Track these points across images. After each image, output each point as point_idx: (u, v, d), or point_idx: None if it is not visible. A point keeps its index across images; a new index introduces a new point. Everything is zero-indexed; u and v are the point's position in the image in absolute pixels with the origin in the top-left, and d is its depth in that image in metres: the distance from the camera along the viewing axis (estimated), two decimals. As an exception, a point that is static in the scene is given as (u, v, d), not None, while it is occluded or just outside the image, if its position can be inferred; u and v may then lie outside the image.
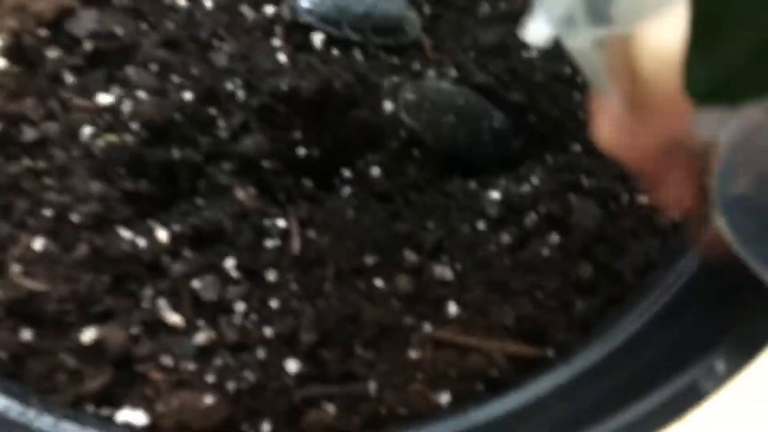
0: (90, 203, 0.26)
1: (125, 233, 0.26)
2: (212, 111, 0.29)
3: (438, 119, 0.30)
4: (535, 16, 0.16)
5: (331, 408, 0.25)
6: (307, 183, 0.30)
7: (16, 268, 0.25)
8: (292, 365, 0.25)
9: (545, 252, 0.28)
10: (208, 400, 0.24)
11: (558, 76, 0.31)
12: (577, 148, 0.31)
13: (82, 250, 0.26)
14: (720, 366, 0.18)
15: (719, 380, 0.18)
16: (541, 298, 0.27)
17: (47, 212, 0.26)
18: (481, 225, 0.29)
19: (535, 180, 0.30)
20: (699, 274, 0.26)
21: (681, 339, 0.23)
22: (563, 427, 0.23)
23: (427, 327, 0.26)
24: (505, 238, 0.28)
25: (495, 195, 0.30)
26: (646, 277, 0.27)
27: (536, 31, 0.16)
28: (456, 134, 0.30)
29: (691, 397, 0.18)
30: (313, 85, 0.29)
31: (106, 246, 0.26)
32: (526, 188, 0.30)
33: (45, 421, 0.23)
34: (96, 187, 0.27)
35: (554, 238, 0.29)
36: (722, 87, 0.12)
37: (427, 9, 0.33)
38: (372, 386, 0.25)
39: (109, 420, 0.24)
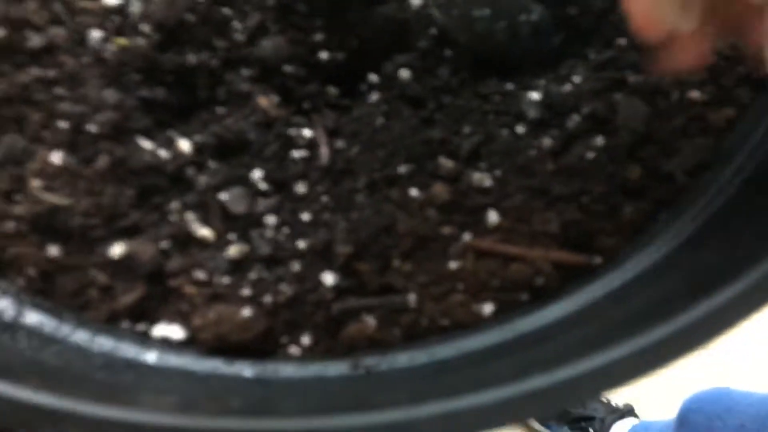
0: (106, 112, 0.25)
1: (146, 144, 0.25)
2: (226, 11, 0.27)
3: (471, 14, 0.28)
4: None
5: (370, 320, 0.24)
6: (332, 90, 0.28)
7: (36, 183, 0.24)
8: (328, 278, 0.25)
9: (590, 155, 0.26)
10: (246, 312, 0.23)
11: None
12: (622, 41, 0.28)
13: (102, 161, 0.24)
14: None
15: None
16: (586, 203, 0.26)
17: (63, 124, 0.25)
18: (520, 128, 0.27)
19: (577, 78, 0.28)
20: (756, 173, 0.25)
21: (736, 242, 0.22)
22: (612, 332, 0.22)
23: (467, 236, 0.25)
24: (547, 141, 0.27)
25: (535, 96, 0.28)
26: (698, 178, 0.26)
27: None
28: (491, 30, 0.28)
29: (743, 306, 0.17)
30: (336, -22, 0.27)
31: (128, 157, 0.24)
32: (567, 88, 0.28)
33: (80, 335, 0.22)
34: (111, 95, 0.25)
35: (599, 140, 0.27)
36: None
37: None
38: (412, 298, 0.24)
39: (146, 335, 0.23)
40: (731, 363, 1.03)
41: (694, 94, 0.27)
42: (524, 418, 0.20)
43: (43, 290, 0.24)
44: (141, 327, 0.24)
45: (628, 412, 0.93)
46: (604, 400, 0.95)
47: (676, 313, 0.18)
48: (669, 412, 0.70)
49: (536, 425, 0.99)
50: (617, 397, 0.97)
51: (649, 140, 0.27)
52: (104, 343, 0.22)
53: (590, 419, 0.93)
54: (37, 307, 0.23)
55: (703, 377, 1.01)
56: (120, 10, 0.26)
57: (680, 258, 0.23)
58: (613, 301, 0.23)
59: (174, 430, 0.16)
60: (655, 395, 0.96)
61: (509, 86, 0.28)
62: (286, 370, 0.22)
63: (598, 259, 0.25)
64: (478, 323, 0.24)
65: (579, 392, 0.17)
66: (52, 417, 0.16)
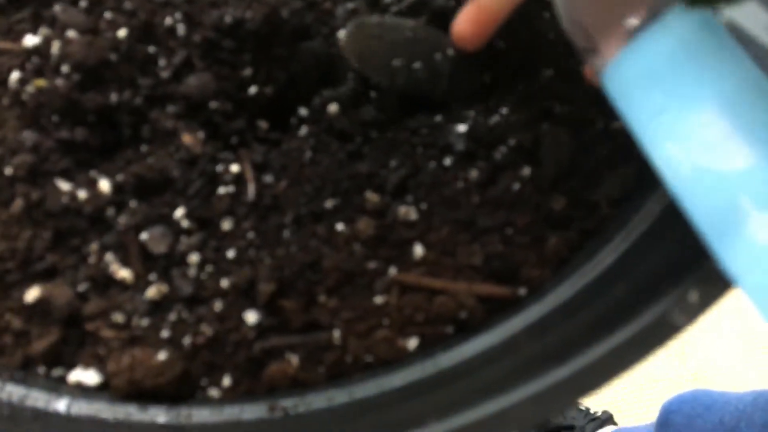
0: (22, 154, 0.24)
1: (63, 185, 0.24)
2: (151, 49, 0.27)
3: (387, 60, 0.28)
4: None
5: (294, 358, 0.24)
6: (261, 124, 0.28)
7: (-53, 228, 0.24)
8: (251, 316, 0.24)
9: (516, 186, 0.27)
10: (162, 356, 0.23)
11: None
12: (549, 72, 0.29)
13: (17, 205, 0.24)
14: (693, 297, 0.17)
15: (692, 312, 0.17)
16: (511, 234, 0.26)
17: (-24, 167, 0.24)
18: (447, 161, 0.27)
19: (504, 110, 0.28)
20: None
21: (656, 270, 0.22)
22: (533, 365, 0.22)
23: (393, 271, 0.25)
24: (474, 173, 0.27)
25: (462, 128, 0.28)
26: (622, 208, 0.26)
27: None
28: (410, 72, 0.28)
29: (663, 330, 0.17)
30: (260, 14, 0.27)
31: (44, 199, 0.24)
32: (495, 119, 0.28)
33: (-11, 385, 0.22)
34: (28, 136, 0.25)
35: (525, 171, 0.27)
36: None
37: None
38: (336, 334, 0.24)
39: (61, 380, 0.23)
40: (707, 369, 1.04)
41: (618, 124, 0.28)
42: None
43: (-46, 337, 0.23)
44: (57, 372, 0.23)
45: (608, 419, 0.94)
46: (583, 408, 0.95)
47: (581, 350, 0.18)
48: (647, 417, 0.70)
49: None
50: (596, 405, 0.97)
51: (575, 170, 0.27)
52: (13, 391, 0.22)
53: (570, 429, 0.93)
54: (-54, 355, 0.22)
55: (681, 382, 1.01)
56: (40, 51, 0.26)
57: (598, 290, 0.23)
58: (532, 335, 0.23)
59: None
60: (633, 402, 0.97)
61: (437, 119, 0.28)
62: (201, 414, 0.22)
63: (523, 291, 0.25)
64: (402, 359, 0.24)
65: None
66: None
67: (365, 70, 0.28)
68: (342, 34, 0.28)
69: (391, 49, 0.27)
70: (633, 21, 0.19)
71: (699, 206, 0.18)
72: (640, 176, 0.27)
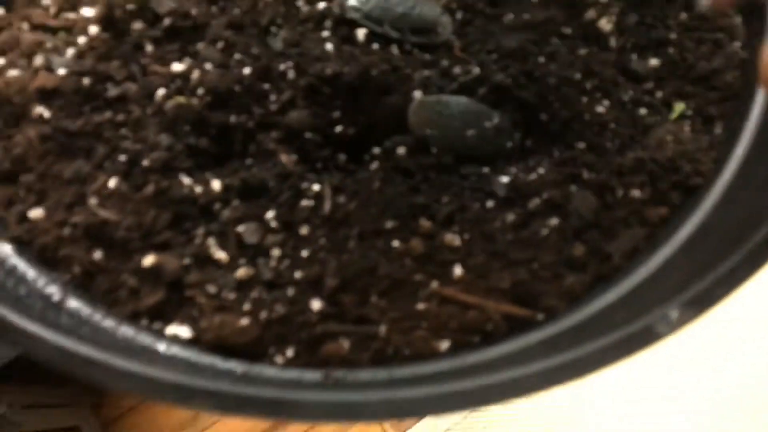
0: (158, 152, 0.31)
1: (186, 180, 0.31)
2: (266, 86, 0.34)
3: (446, 126, 0.34)
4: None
5: (346, 343, 0.29)
6: (341, 156, 0.34)
7: (93, 200, 0.30)
8: (316, 304, 0.30)
9: (544, 232, 0.32)
10: (244, 322, 0.28)
11: (569, 80, 0.35)
12: (581, 145, 0.35)
13: (149, 189, 0.30)
14: (674, 314, 0.22)
15: (673, 326, 0.22)
16: (536, 269, 0.31)
17: (122, 157, 0.31)
18: (489, 203, 0.33)
19: (541, 170, 0.34)
20: (676, 260, 0.30)
21: (650, 305, 0.27)
22: (543, 360, 0.27)
23: (434, 284, 0.30)
24: (510, 216, 0.32)
25: (504, 179, 0.34)
26: (632, 260, 0.31)
27: None
28: (463, 136, 0.34)
29: (645, 337, 0.21)
30: (354, 71, 0.34)
31: (169, 189, 0.30)
32: (533, 176, 0.34)
33: (108, 323, 0.28)
34: (164, 139, 0.31)
35: (553, 220, 0.32)
36: None
37: (459, 15, 0.38)
38: (382, 329, 0.29)
39: (160, 332, 0.29)
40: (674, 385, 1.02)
41: (636, 193, 0.33)
42: (468, 407, 0.24)
43: (83, 285, 0.29)
44: (157, 325, 0.29)
45: None
46: None
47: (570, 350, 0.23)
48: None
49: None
50: None
51: (595, 226, 0.32)
52: (126, 331, 0.28)
53: None
54: (78, 297, 0.28)
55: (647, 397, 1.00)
56: (183, 75, 0.33)
57: (601, 318, 0.28)
58: (545, 346, 0.27)
59: (181, 385, 0.21)
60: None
61: (485, 170, 0.34)
62: (270, 371, 0.27)
63: (540, 316, 0.30)
64: (435, 356, 0.29)
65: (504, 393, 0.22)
66: (88, 364, 0.21)
67: (429, 134, 0.34)
68: (410, 108, 0.35)
69: (448, 117, 0.34)
70: None
71: None
72: (650, 236, 0.32)
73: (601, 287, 0.31)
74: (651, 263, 0.30)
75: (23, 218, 0.30)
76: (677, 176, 0.33)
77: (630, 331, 0.22)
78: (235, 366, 0.27)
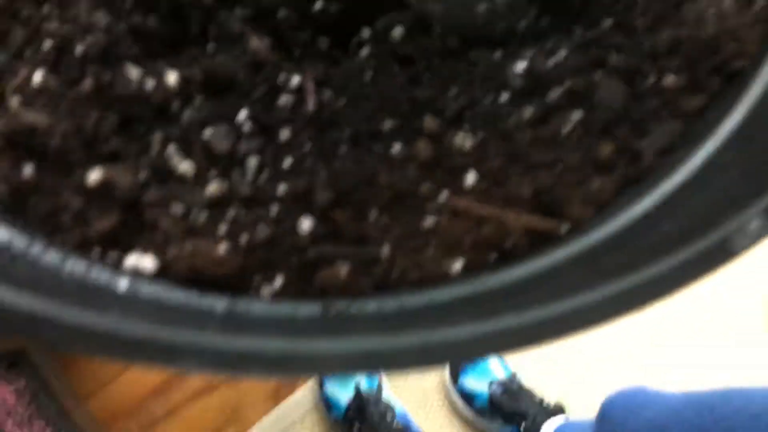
0: (94, 35, 0.24)
1: (133, 71, 0.25)
2: (225, -52, 0.27)
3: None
4: None
5: (344, 268, 0.25)
6: (324, 41, 0.28)
7: (15, 100, 0.23)
8: (305, 223, 0.25)
9: (566, 128, 0.27)
10: (221, 248, 0.23)
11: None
12: (607, 23, 0.29)
13: (86, 84, 0.24)
14: (755, 224, 0.18)
15: (753, 239, 0.18)
16: (559, 172, 0.27)
17: (48, 43, 0.24)
18: (504, 96, 0.28)
19: (561, 54, 0.29)
20: (718, 160, 0.26)
21: (700, 216, 0.23)
22: (572, 289, 0.23)
23: (444, 195, 0.26)
24: (528, 111, 0.28)
25: (519, 67, 0.28)
26: (665, 159, 0.27)
27: None
28: (471, 9, 0.28)
29: (720, 254, 0.18)
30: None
31: (113, 83, 0.24)
32: (551, 62, 0.29)
33: (50, 257, 0.22)
34: (101, 18, 0.24)
35: (576, 114, 0.28)
36: None
37: None
38: (385, 250, 0.25)
39: (117, 264, 0.23)
40: (659, 363, 1.09)
41: (670, 80, 0.29)
42: (492, 352, 0.21)
43: (13, 209, 0.23)
44: (113, 255, 0.24)
45: (559, 410, 0.98)
46: (537, 400, 1.00)
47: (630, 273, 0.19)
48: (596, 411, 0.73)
49: (467, 412, 1.03)
50: (549, 396, 1.01)
51: (624, 119, 0.28)
52: (76, 266, 0.22)
53: (523, 416, 0.97)
54: (7, 225, 0.23)
55: (632, 377, 1.06)
56: (114, -66, 0.25)
57: (629, 236, 0.24)
58: (574, 266, 0.24)
59: (146, 340, 0.16)
60: (585, 394, 1.01)
61: (497, 55, 0.29)
62: (258, 307, 0.23)
63: (565, 227, 0.26)
64: (446, 279, 0.25)
65: (534, 335, 0.18)
66: (31, 321, 0.16)
67: (428, 16, 0.28)
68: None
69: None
70: None
71: None
72: (685, 132, 0.28)
73: (633, 192, 0.27)
74: (691, 163, 0.26)
75: (-76, 126, 0.24)
76: (718, 58, 0.29)
77: (700, 247, 0.18)
78: (215, 302, 0.23)
